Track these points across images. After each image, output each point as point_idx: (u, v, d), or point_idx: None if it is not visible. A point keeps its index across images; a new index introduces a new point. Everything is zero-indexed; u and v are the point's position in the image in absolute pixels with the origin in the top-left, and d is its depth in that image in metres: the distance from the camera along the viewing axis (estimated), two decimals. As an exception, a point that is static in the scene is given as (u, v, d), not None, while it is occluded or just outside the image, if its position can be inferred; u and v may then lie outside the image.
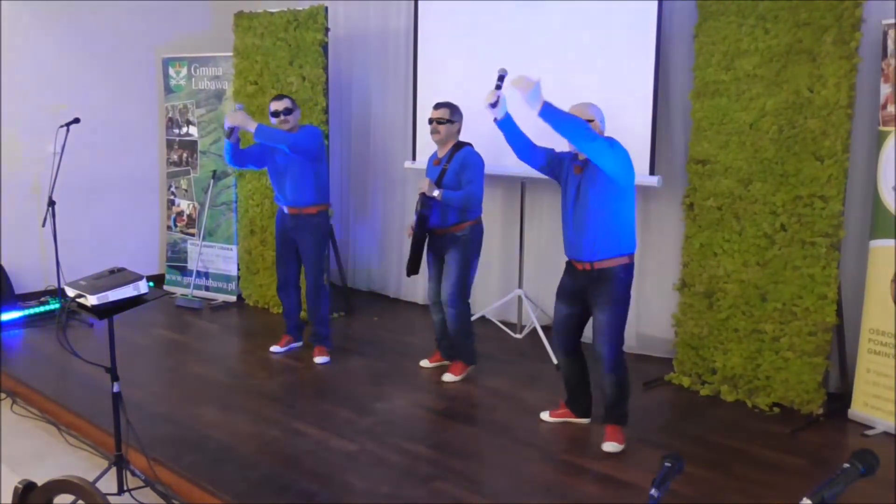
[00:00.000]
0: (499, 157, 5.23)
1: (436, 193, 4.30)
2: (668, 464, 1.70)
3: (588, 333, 3.78)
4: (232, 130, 4.63)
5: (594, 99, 4.83)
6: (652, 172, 4.67)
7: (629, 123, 4.70)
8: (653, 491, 1.65)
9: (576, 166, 3.60)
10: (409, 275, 4.60)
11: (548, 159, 3.77)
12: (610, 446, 3.64)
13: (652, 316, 5.11)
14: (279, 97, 4.79)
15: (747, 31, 4.17)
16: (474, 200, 4.40)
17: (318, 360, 4.96)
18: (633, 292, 5.04)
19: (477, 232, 4.51)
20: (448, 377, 4.59)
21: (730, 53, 4.24)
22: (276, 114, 4.72)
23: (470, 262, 4.49)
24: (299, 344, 5.20)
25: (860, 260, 4.18)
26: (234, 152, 4.72)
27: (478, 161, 4.43)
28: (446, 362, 4.79)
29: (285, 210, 4.88)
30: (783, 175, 4.09)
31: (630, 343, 5.16)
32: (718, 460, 3.58)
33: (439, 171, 4.45)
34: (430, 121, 4.50)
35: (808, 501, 1.46)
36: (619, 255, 3.53)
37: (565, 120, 3.36)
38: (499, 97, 3.57)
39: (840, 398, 4.18)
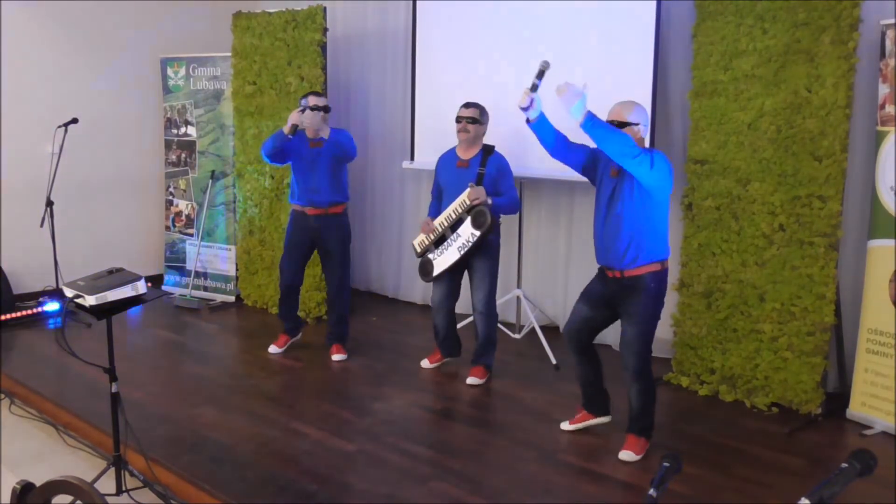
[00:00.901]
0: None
1: (489, 201, 4.23)
2: (666, 463, 1.70)
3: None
4: (296, 128, 4.56)
5: (593, 98, 4.85)
6: (650, 172, 4.67)
7: (628, 123, 4.71)
8: (651, 491, 1.65)
9: (612, 168, 3.46)
10: (430, 280, 4.54)
11: (586, 159, 3.61)
12: (626, 455, 3.57)
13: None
14: (319, 94, 4.76)
15: (745, 31, 4.17)
16: (517, 206, 4.43)
17: (337, 357, 4.97)
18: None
19: (499, 235, 4.52)
20: (473, 380, 4.53)
21: (728, 53, 4.24)
22: (315, 108, 4.65)
23: (497, 266, 4.49)
24: (297, 338, 5.21)
25: (858, 260, 4.19)
26: (283, 149, 4.66)
27: (509, 166, 4.44)
28: (447, 359, 4.80)
29: (307, 211, 4.83)
30: (781, 175, 4.10)
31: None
32: (717, 460, 3.58)
33: (475, 175, 4.34)
34: (459, 119, 4.41)
35: (807, 501, 1.47)
36: (651, 262, 3.42)
37: (609, 134, 3.25)
38: (532, 100, 3.41)
39: (838, 398, 4.18)
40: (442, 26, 5.61)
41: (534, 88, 3.41)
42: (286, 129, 4.53)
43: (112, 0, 6.54)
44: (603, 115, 3.42)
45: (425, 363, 4.83)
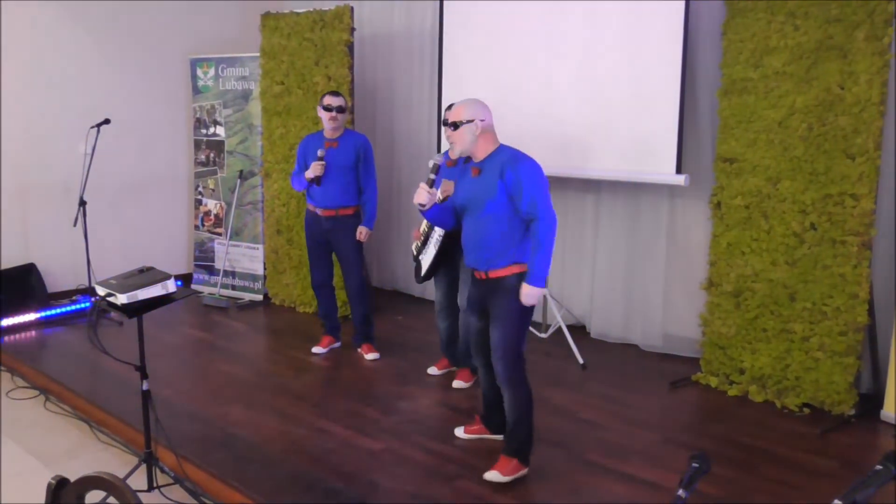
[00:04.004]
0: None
1: None
2: (695, 464, 1.69)
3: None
4: (319, 179, 4.73)
5: (621, 97, 4.83)
6: (679, 171, 4.63)
7: (656, 121, 4.67)
8: (680, 491, 1.64)
9: (473, 168, 3.32)
10: (420, 281, 4.47)
11: (457, 204, 3.45)
12: (491, 475, 3.33)
13: (679, 315, 5.07)
14: (335, 94, 4.79)
15: (776, 28, 4.12)
16: None
17: (370, 356, 5.00)
18: (659, 291, 5.09)
19: None
20: (458, 384, 4.50)
21: (758, 51, 4.19)
22: (328, 108, 4.72)
23: None
24: (339, 344, 5.22)
25: (892, 259, 4.11)
26: (307, 186, 4.84)
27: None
28: (454, 368, 4.72)
29: (318, 213, 4.87)
30: (813, 173, 4.04)
31: (656, 343, 5.15)
32: (746, 461, 3.55)
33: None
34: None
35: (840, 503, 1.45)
36: (515, 263, 3.25)
37: (548, 259, 3.19)
38: (431, 197, 3.35)
39: (872, 399, 4.12)
40: (468, 26, 5.61)
41: (431, 184, 3.34)
42: (309, 178, 4.72)
43: (142, 1, 6.63)
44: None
45: (432, 370, 4.74)
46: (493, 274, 3.29)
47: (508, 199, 3.20)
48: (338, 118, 4.74)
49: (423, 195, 3.34)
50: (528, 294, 3.21)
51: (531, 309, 3.31)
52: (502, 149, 3.32)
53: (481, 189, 3.25)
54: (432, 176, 3.37)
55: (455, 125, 3.28)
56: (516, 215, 3.23)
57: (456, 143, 3.31)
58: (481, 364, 3.63)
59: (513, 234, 3.25)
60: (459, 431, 3.84)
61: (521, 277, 3.24)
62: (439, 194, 4.09)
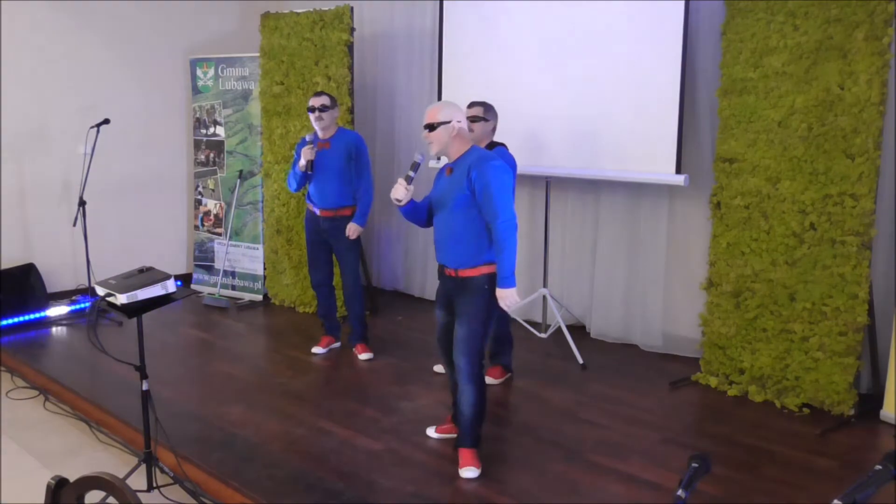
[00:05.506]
0: (526, 157, 5.21)
1: None
2: (695, 464, 1.69)
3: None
4: (311, 163, 4.72)
5: (621, 97, 4.83)
6: (678, 171, 4.63)
7: (656, 121, 4.68)
8: (680, 492, 1.64)
9: (447, 168, 3.43)
10: None
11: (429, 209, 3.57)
12: (467, 472, 3.40)
13: (678, 315, 5.07)
14: (318, 94, 4.80)
15: (776, 28, 4.12)
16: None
17: (364, 356, 5.01)
18: (659, 291, 5.09)
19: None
20: (489, 380, 4.49)
21: (758, 51, 4.19)
22: (311, 109, 4.73)
23: None
24: (338, 344, 5.23)
25: (891, 259, 4.11)
26: (304, 181, 4.83)
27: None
28: None
29: (317, 213, 4.89)
30: (812, 173, 4.04)
31: (656, 342, 5.15)
32: (746, 461, 3.55)
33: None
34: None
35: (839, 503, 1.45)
36: (485, 264, 3.33)
37: (512, 263, 3.25)
38: (409, 192, 3.41)
39: (872, 399, 4.12)
40: (468, 26, 5.61)
41: (409, 181, 3.40)
42: (302, 166, 4.71)
43: (142, 1, 6.63)
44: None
45: (439, 369, 4.75)
46: (464, 273, 3.35)
47: (473, 194, 3.28)
48: (323, 118, 4.74)
49: (399, 191, 3.41)
50: (504, 297, 3.28)
51: (495, 307, 3.36)
52: (474, 149, 3.41)
53: (453, 187, 3.35)
54: (411, 173, 3.43)
55: (431, 126, 3.37)
56: (482, 214, 3.30)
57: (433, 144, 3.40)
58: (445, 362, 3.68)
59: (482, 234, 3.31)
60: (431, 431, 3.86)
61: (490, 278, 3.32)
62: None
